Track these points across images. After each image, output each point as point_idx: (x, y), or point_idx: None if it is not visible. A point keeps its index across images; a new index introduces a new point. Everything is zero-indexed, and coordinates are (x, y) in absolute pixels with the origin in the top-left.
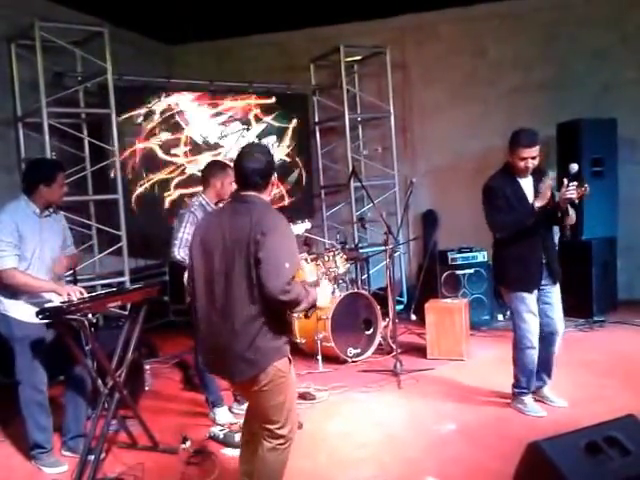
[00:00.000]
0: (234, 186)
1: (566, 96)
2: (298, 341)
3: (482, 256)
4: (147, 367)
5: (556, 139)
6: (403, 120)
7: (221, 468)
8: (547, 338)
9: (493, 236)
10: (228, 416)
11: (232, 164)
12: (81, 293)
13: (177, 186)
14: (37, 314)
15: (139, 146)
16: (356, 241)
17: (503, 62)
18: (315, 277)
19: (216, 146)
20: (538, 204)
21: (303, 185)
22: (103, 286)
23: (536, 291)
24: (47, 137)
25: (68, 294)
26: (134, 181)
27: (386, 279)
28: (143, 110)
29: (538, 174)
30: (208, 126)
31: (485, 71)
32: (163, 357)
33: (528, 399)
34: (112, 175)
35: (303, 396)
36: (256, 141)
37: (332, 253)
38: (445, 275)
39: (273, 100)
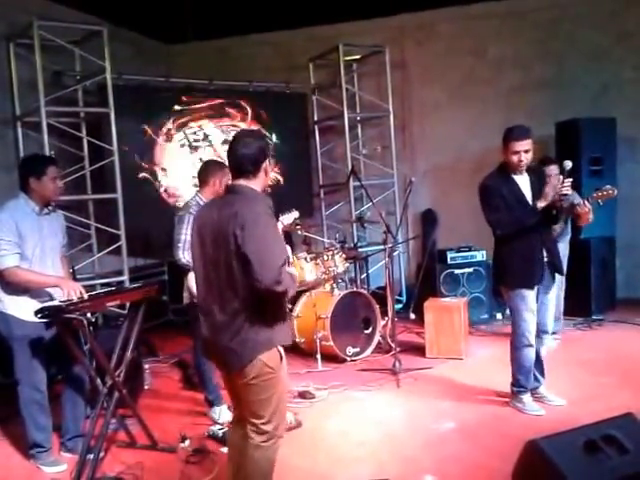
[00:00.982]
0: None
1: (565, 95)
2: (297, 340)
3: (481, 255)
4: (146, 366)
5: (555, 138)
6: (402, 119)
7: (220, 467)
8: (537, 336)
9: (493, 234)
10: (227, 415)
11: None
12: (81, 293)
13: None
14: (36, 313)
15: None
16: (355, 240)
17: (502, 61)
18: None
19: None
20: (541, 205)
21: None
22: (102, 285)
23: (536, 288)
24: (46, 136)
25: (68, 292)
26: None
27: (385, 278)
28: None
29: (535, 172)
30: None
31: (484, 70)
32: (162, 356)
33: (527, 398)
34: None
35: (302, 395)
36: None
37: (331, 252)
38: (444, 274)
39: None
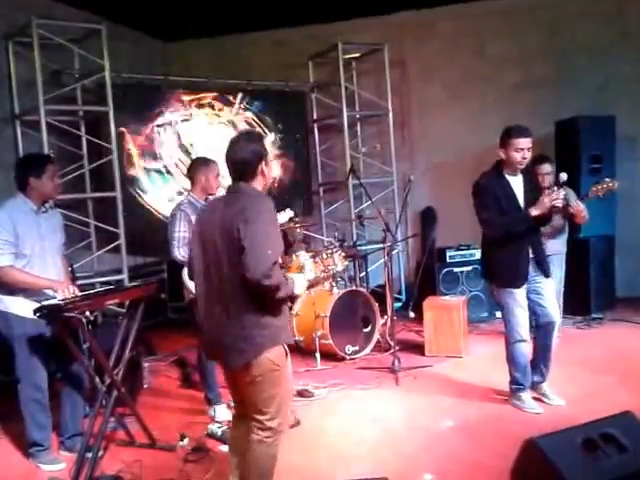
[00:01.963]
0: (220, 180)
1: (565, 93)
2: (296, 339)
3: (480, 253)
4: (145, 365)
5: (555, 136)
6: (401, 117)
7: (219, 465)
8: (544, 328)
9: (483, 233)
10: (226, 413)
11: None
12: (75, 294)
13: None
14: (35, 312)
15: None
16: (354, 239)
17: (502, 59)
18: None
19: None
20: (535, 212)
21: None
22: (101, 284)
23: (525, 285)
24: (45, 135)
25: (64, 291)
26: None
27: (384, 276)
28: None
29: (527, 173)
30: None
31: (484, 68)
32: (161, 355)
33: (525, 395)
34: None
35: (301, 393)
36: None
37: (330, 251)
38: (443, 272)
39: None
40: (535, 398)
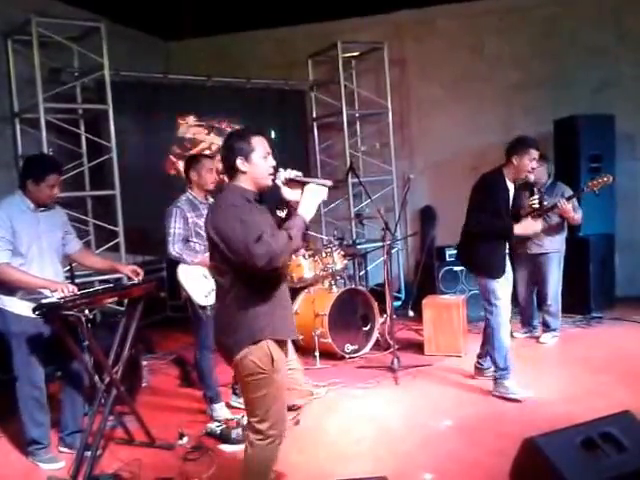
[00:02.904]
0: (215, 174)
1: (564, 92)
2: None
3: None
4: (144, 363)
5: (553, 135)
6: (401, 116)
7: (218, 464)
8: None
9: (465, 224)
10: (225, 412)
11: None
12: (73, 292)
13: None
14: (34, 310)
15: None
16: (354, 237)
17: (501, 58)
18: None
19: None
20: (518, 231)
21: None
22: (100, 282)
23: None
24: (44, 133)
25: (62, 290)
26: None
27: (384, 275)
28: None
29: (520, 185)
30: None
31: (483, 67)
32: (160, 353)
33: (509, 382)
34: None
35: None
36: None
37: (330, 249)
38: (443, 271)
39: None
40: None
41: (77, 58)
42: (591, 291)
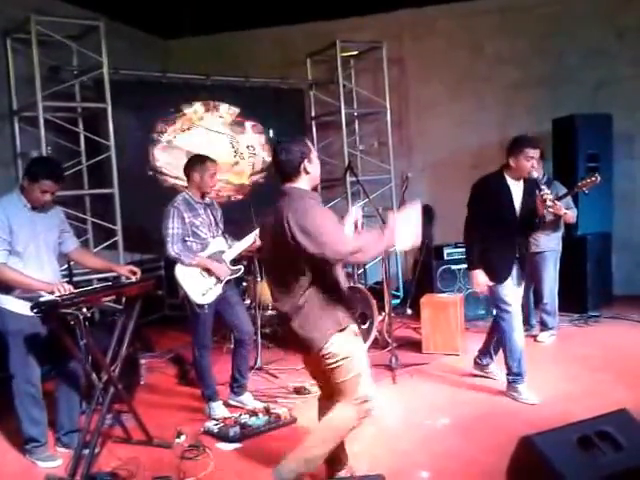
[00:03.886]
0: (216, 178)
1: (563, 92)
2: None
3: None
4: (142, 361)
5: (552, 134)
6: (399, 115)
7: (215, 463)
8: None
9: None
10: (223, 411)
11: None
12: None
13: None
14: (31, 308)
15: None
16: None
17: (500, 58)
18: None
19: None
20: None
21: None
22: (98, 280)
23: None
24: (43, 131)
25: (57, 291)
26: None
27: (382, 273)
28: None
29: (529, 181)
30: None
31: (482, 66)
32: (158, 352)
33: (522, 387)
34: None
35: (298, 390)
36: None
37: None
38: (441, 270)
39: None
40: (483, 377)
41: (76, 56)
42: (588, 290)
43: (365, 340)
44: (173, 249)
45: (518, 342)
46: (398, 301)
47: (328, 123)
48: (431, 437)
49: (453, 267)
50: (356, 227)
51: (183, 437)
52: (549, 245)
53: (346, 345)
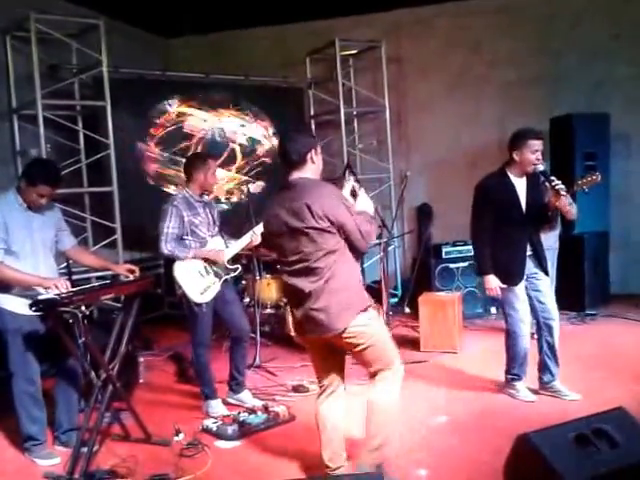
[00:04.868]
0: (217, 177)
1: (560, 91)
2: (293, 334)
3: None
4: (141, 359)
5: (549, 133)
6: (398, 114)
7: (214, 461)
8: (546, 325)
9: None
10: (222, 408)
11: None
12: (67, 287)
13: None
14: (30, 306)
15: None
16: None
17: (498, 57)
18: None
19: None
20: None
21: None
22: (97, 278)
23: (524, 281)
24: (42, 129)
25: (55, 286)
26: None
27: (380, 272)
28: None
29: (533, 176)
30: None
31: (480, 65)
32: (157, 350)
33: (520, 385)
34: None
35: (296, 389)
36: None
37: None
38: (439, 268)
39: None
40: (550, 395)
41: (75, 55)
42: (585, 288)
43: None
44: (166, 247)
45: (521, 347)
46: (396, 299)
47: (327, 122)
48: (429, 435)
49: (451, 265)
50: (354, 195)
51: (182, 435)
52: (547, 243)
53: (374, 321)
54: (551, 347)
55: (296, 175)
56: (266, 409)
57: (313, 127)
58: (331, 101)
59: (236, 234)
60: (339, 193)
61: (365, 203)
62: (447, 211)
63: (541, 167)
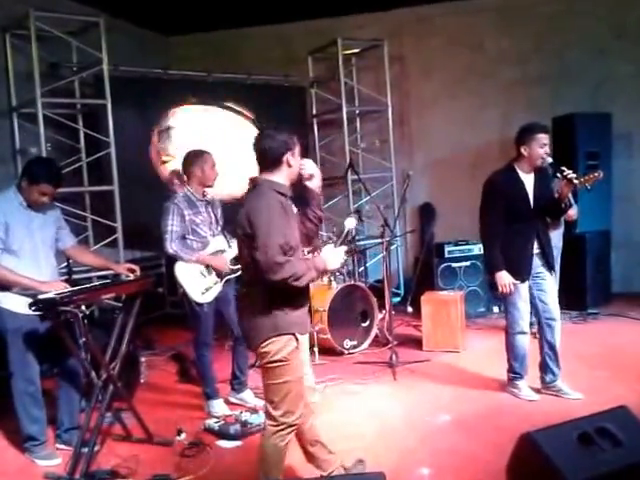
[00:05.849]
0: (216, 170)
1: (563, 90)
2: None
3: (478, 249)
4: (143, 359)
5: (551, 132)
6: (401, 113)
7: (216, 460)
8: (548, 325)
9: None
10: (223, 408)
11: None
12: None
13: None
14: (30, 306)
15: None
16: (353, 234)
17: (500, 55)
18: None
19: None
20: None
21: None
22: (98, 278)
23: (529, 279)
24: (42, 128)
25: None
26: None
27: (383, 271)
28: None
29: (541, 171)
30: None
31: (482, 64)
32: (159, 349)
33: (522, 384)
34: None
35: None
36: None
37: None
38: (441, 267)
39: None
40: (552, 395)
41: (76, 53)
42: (587, 288)
43: (366, 338)
44: (171, 246)
45: (520, 345)
46: (399, 299)
47: (329, 121)
48: (432, 434)
49: (454, 265)
50: (310, 178)
51: (183, 435)
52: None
53: (283, 350)
54: (552, 347)
55: (264, 176)
56: None
57: (315, 126)
58: (333, 100)
59: None
60: (277, 211)
61: (329, 255)
62: (450, 210)
63: (549, 159)
